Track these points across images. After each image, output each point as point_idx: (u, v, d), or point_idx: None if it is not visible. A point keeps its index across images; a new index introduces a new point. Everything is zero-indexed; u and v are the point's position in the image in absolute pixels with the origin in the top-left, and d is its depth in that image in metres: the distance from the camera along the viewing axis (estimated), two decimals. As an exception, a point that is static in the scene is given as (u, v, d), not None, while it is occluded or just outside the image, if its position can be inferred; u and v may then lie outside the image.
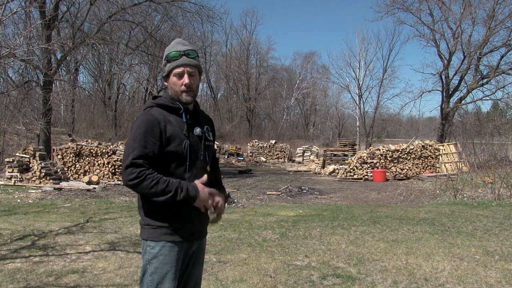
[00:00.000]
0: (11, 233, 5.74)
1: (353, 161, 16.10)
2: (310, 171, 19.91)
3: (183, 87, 1.92)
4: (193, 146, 1.93)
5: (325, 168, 19.73)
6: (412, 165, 16.16)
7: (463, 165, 15.40)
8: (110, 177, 12.78)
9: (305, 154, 25.92)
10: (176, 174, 1.88)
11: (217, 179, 2.27)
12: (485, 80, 23.45)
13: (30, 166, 11.74)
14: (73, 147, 13.23)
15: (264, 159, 25.39)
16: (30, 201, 9.13)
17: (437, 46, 24.57)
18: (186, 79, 1.92)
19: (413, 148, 16.31)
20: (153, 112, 1.90)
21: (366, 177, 15.53)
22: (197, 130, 1.97)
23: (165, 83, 2.01)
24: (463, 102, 24.22)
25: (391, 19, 42.48)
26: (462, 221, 6.94)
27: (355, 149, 24.10)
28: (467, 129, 21.33)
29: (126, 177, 1.78)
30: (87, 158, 13.11)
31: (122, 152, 10.42)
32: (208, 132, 2.07)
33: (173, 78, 1.94)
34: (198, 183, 1.87)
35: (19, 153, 11.98)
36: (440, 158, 16.29)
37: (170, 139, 1.87)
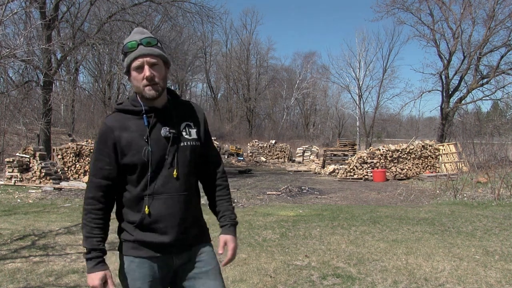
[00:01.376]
0: (11, 233, 5.74)
1: (353, 161, 16.10)
2: (310, 171, 19.91)
3: (144, 81, 1.63)
4: (157, 152, 1.63)
5: (325, 168, 19.73)
6: (412, 165, 16.16)
7: (463, 165, 15.40)
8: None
9: (305, 154, 25.92)
10: (140, 188, 1.64)
11: (214, 193, 1.87)
12: (485, 80, 23.45)
13: (30, 166, 11.74)
14: (73, 147, 13.24)
15: (264, 159, 25.40)
16: (30, 201, 9.13)
17: (437, 46, 24.58)
18: (146, 71, 1.62)
19: (413, 148, 16.31)
20: (109, 119, 1.68)
21: (366, 177, 15.53)
22: (164, 131, 1.65)
23: (129, 80, 1.75)
24: (463, 102, 24.22)
25: (391, 19, 42.53)
26: (462, 221, 6.94)
27: (355, 149, 24.10)
28: (467, 129, 21.31)
29: (84, 201, 1.67)
30: (87, 158, 13.11)
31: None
32: (188, 130, 1.74)
33: (133, 73, 1.66)
34: (99, 274, 1.62)
35: (19, 153, 11.99)
36: (440, 158, 16.30)
37: (125, 149, 1.62)
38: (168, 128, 1.67)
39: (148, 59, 1.63)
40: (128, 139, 1.63)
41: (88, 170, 1.71)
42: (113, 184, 1.66)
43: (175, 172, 1.66)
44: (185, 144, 1.71)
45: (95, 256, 1.62)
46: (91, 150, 13.02)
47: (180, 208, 1.67)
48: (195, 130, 1.76)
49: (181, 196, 1.68)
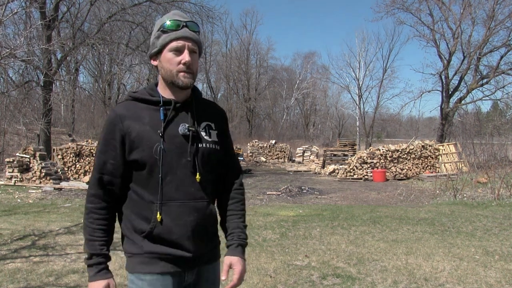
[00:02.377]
0: (11, 233, 5.74)
1: (353, 161, 16.10)
2: (310, 171, 19.91)
3: (181, 66, 1.44)
4: (171, 150, 1.43)
5: (325, 168, 19.73)
6: (412, 165, 16.16)
7: (463, 165, 15.40)
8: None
9: (305, 154, 25.92)
10: (149, 191, 1.44)
11: (226, 208, 1.62)
12: (485, 80, 23.44)
13: (30, 166, 11.74)
14: (73, 147, 13.24)
15: (264, 159, 25.39)
16: (30, 201, 9.13)
17: (437, 46, 24.58)
18: (186, 56, 1.43)
19: (413, 148, 16.31)
20: (120, 107, 1.48)
21: (366, 177, 15.53)
22: (182, 128, 1.46)
23: (153, 63, 1.52)
24: (463, 102, 24.21)
25: (391, 19, 42.53)
26: (462, 221, 6.94)
27: (355, 149, 24.10)
28: (467, 129, 21.31)
29: (86, 199, 1.48)
30: (87, 158, 13.12)
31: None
32: (208, 130, 1.54)
33: (167, 54, 1.45)
34: (102, 282, 1.41)
35: (19, 153, 11.99)
36: (440, 158, 16.29)
37: (135, 142, 1.42)
38: (187, 125, 1.47)
39: (190, 44, 1.46)
40: (139, 132, 1.42)
41: (90, 169, 1.50)
42: (119, 182, 1.45)
43: (198, 176, 1.46)
44: (204, 145, 1.51)
45: (98, 262, 1.42)
46: (91, 150, 13.10)
47: (198, 217, 1.46)
48: (216, 132, 1.57)
49: (198, 203, 1.47)
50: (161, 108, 1.47)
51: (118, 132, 1.43)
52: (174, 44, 1.44)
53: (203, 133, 1.52)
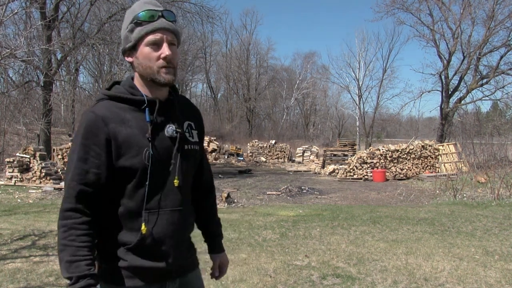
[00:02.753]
0: (12, 233, 5.75)
1: (353, 161, 16.11)
2: (310, 171, 19.91)
3: (161, 61, 1.30)
4: (159, 156, 1.31)
5: (325, 168, 19.73)
6: (412, 165, 16.17)
7: (462, 165, 15.41)
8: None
9: (305, 154, 25.92)
10: (136, 200, 1.30)
11: (207, 209, 1.61)
12: (484, 80, 23.46)
13: (31, 166, 11.74)
14: (73, 147, 13.23)
15: (264, 159, 25.39)
16: (30, 201, 9.13)
17: (437, 46, 24.60)
18: (166, 50, 1.30)
19: (412, 148, 16.32)
20: (99, 108, 1.30)
21: (366, 177, 15.53)
22: (169, 129, 1.34)
23: (128, 59, 1.37)
24: (462, 102, 24.23)
25: (391, 19, 42.45)
26: (462, 221, 6.95)
27: (355, 149, 24.11)
28: (466, 129, 21.32)
29: (60, 215, 1.26)
30: (87, 158, 13.12)
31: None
32: (190, 131, 1.45)
33: (144, 49, 1.30)
34: None
35: (20, 153, 11.99)
36: (440, 158, 16.30)
37: (123, 147, 1.27)
38: (173, 127, 1.35)
39: (169, 36, 1.32)
40: (126, 136, 1.28)
41: (66, 171, 1.25)
42: (100, 193, 1.28)
43: (176, 181, 1.35)
44: (189, 147, 1.42)
45: (86, 285, 1.20)
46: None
47: (181, 225, 1.38)
48: (196, 132, 1.49)
49: (181, 211, 1.38)
50: (147, 109, 1.32)
51: (102, 136, 1.26)
52: (151, 37, 1.30)
53: (187, 134, 1.43)
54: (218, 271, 1.63)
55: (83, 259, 1.21)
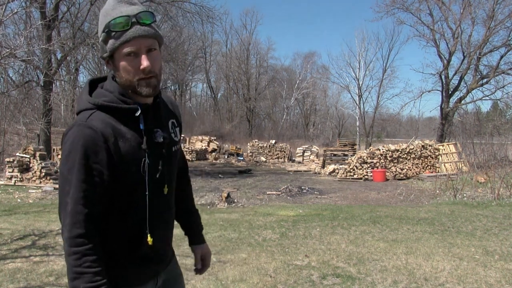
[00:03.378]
0: (12, 233, 5.75)
1: (353, 161, 16.11)
2: (310, 171, 19.90)
3: (141, 74, 1.21)
4: (154, 163, 1.28)
5: (325, 168, 19.73)
6: (412, 165, 16.17)
7: (463, 165, 15.41)
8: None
9: (305, 154, 25.92)
10: (135, 213, 1.27)
11: (185, 201, 1.61)
12: (484, 80, 23.46)
13: (31, 166, 11.74)
14: (73, 147, 13.22)
15: (264, 159, 25.39)
16: (30, 201, 9.13)
17: (437, 46, 24.60)
18: (144, 61, 1.20)
19: (413, 148, 16.31)
20: (95, 122, 1.19)
21: (366, 177, 15.53)
22: (158, 136, 1.29)
23: (108, 66, 1.28)
24: (462, 102, 24.23)
25: (390, 19, 42.58)
26: (462, 221, 6.94)
27: (355, 149, 24.10)
28: (467, 129, 21.32)
29: (69, 242, 1.16)
30: (87, 158, 13.11)
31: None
32: (174, 129, 1.41)
33: (122, 62, 1.21)
34: None
35: (20, 153, 11.99)
36: (440, 158, 16.30)
37: (123, 163, 1.21)
38: (160, 131, 1.30)
39: (146, 43, 1.22)
40: (125, 149, 1.21)
41: (62, 193, 1.13)
42: (103, 211, 1.23)
43: (165, 188, 1.33)
44: (175, 148, 1.38)
45: None
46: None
47: (170, 229, 1.42)
48: (178, 128, 1.44)
49: (170, 214, 1.41)
50: (141, 117, 1.25)
51: (104, 154, 1.18)
52: (126, 49, 1.20)
53: (172, 135, 1.38)
54: (201, 263, 1.62)
55: (102, 284, 1.17)
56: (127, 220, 1.27)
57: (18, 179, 11.52)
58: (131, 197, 1.26)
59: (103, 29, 1.22)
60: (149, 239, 1.28)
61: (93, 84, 1.33)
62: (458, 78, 24.29)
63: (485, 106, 69.46)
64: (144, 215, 1.27)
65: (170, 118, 1.40)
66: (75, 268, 1.15)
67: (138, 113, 1.24)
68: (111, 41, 1.21)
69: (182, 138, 1.49)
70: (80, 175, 1.16)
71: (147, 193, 1.25)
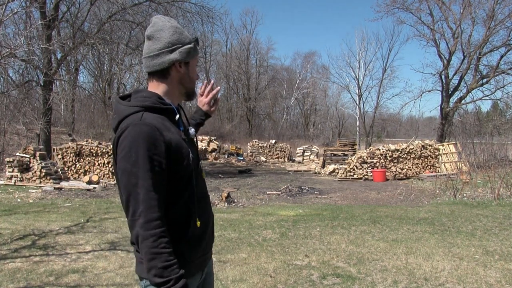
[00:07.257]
0: (12, 233, 5.75)
1: (353, 161, 16.10)
2: (310, 170, 19.91)
3: (195, 82, 1.57)
4: (195, 157, 1.48)
5: (325, 168, 19.73)
6: (412, 165, 16.16)
7: (463, 165, 15.41)
8: (110, 177, 12.79)
9: (305, 154, 25.92)
10: (184, 200, 1.43)
11: None
12: (484, 80, 23.44)
13: (31, 165, 11.74)
14: (73, 147, 13.23)
15: (264, 159, 25.39)
16: (30, 201, 9.13)
17: (437, 46, 24.58)
18: (196, 73, 1.59)
19: (413, 148, 16.31)
20: (149, 119, 1.36)
21: (366, 177, 15.53)
22: (192, 131, 1.55)
23: (179, 69, 1.49)
24: (463, 102, 24.21)
25: (390, 19, 42.66)
26: (462, 220, 6.94)
27: (355, 149, 24.09)
28: (467, 129, 21.33)
29: (146, 225, 1.29)
30: (87, 158, 13.11)
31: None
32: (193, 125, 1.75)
33: (195, 69, 1.54)
34: None
35: (20, 153, 11.99)
36: (440, 158, 16.30)
37: (177, 153, 1.38)
38: (193, 129, 1.56)
39: None
40: (176, 143, 1.39)
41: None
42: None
43: (203, 174, 1.59)
44: (197, 143, 1.64)
45: (185, 285, 1.31)
46: (91, 150, 13.08)
47: (211, 215, 1.59)
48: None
49: (209, 200, 1.60)
50: (178, 116, 1.49)
51: (163, 146, 1.34)
52: (196, 60, 1.54)
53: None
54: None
55: (175, 263, 1.31)
56: (179, 206, 1.42)
57: (18, 179, 11.52)
58: (182, 184, 1.41)
59: (191, 39, 1.50)
60: (198, 222, 1.44)
61: (122, 99, 1.52)
62: (458, 78, 24.29)
63: (485, 106, 69.42)
64: (193, 200, 1.43)
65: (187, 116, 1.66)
66: (152, 249, 1.28)
67: (177, 117, 1.48)
68: (195, 50, 1.51)
69: None
70: (146, 165, 1.30)
71: (193, 179, 1.43)
